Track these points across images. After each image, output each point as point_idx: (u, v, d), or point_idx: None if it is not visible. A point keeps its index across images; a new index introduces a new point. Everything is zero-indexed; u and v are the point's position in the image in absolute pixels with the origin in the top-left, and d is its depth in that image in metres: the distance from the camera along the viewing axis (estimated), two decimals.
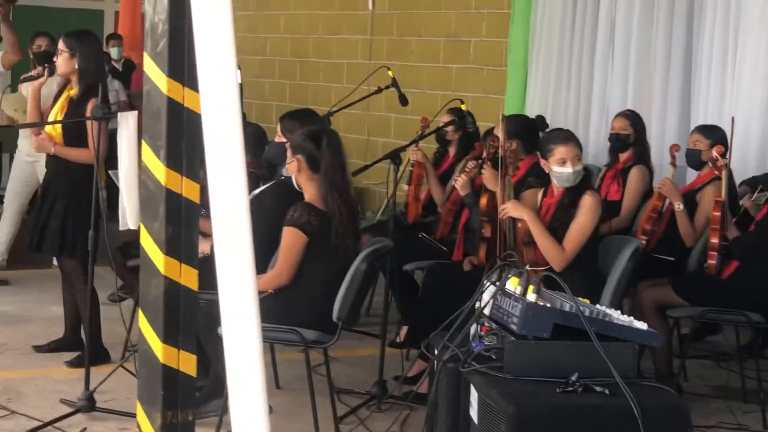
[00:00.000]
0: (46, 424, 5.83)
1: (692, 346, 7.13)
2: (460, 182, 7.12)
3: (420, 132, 8.45)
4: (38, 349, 7.19)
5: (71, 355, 6.96)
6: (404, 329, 7.43)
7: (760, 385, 6.46)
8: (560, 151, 6.13)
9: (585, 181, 6.21)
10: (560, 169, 6.12)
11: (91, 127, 6.34)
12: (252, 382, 3.29)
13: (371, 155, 11.19)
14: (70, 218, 6.76)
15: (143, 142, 3.98)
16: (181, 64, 3.90)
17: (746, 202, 7.10)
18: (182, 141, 3.92)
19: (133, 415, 5.88)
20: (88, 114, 6.57)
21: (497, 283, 4.35)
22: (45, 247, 6.92)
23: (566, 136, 6.30)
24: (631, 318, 4.32)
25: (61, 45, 6.84)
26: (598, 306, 4.42)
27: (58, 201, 6.84)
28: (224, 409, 5.73)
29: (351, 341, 7.30)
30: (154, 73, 3.92)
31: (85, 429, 5.82)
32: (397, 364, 6.94)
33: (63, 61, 6.81)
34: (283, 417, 6.08)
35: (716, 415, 6.37)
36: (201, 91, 3.29)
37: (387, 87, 8.16)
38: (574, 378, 4.03)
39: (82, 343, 7.08)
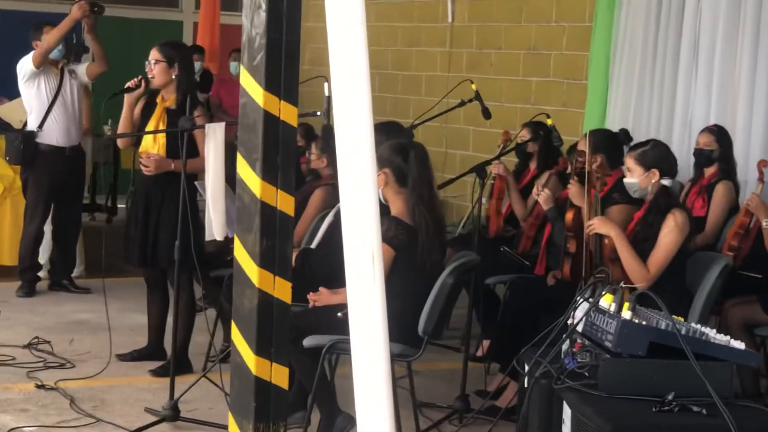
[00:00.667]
0: None
1: None
2: (543, 197, 7.09)
3: (501, 145, 8.42)
4: (121, 357, 7.24)
5: (154, 365, 7.01)
6: (485, 343, 7.40)
7: None
8: (626, 160, 6.17)
9: (670, 198, 6.14)
10: (626, 180, 6.16)
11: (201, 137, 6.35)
12: (379, 404, 3.25)
13: (449, 168, 11.18)
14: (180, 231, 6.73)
15: (239, 155, 4.00)
16: (278, 78, 3.92)
17: None
18: (278, 154, 3.94)
19: (216, 425, 5.98)
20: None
21: (591, 300, 4.30)
22: (161, 260, 6.90)
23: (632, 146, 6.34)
24: (729, 337, 4.26)
25: (156, 55, 6.86)
26: (693, 324, 4.37)
27: (165, 212, 6.86)
28: (308, 421, 5.75)
29: (431, 354, 7.23)
30: (251, 86, 3.94)
31: None
32: (478, 378, 6.92)
33: (161, 70, 6.84)
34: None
35: None
36: (335, 104, 3.26)
37: (470, 100, 8.13)
38: (670, 397, 3.98)
39: (165, 353, 7.14)
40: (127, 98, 6.96)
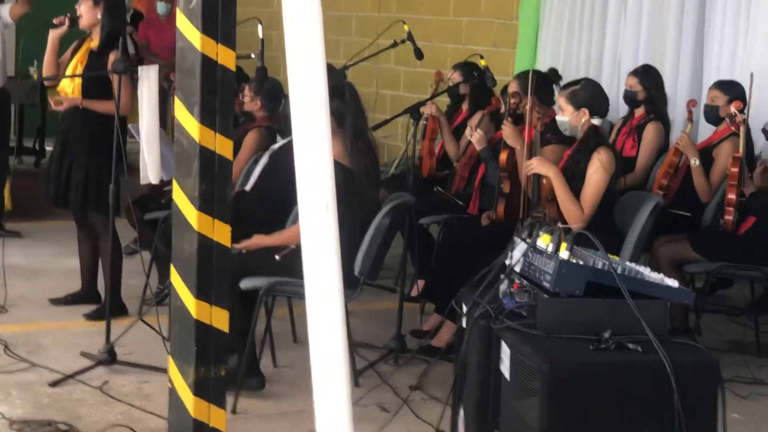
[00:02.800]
0: (68, 377, 5.87)
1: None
2: (475, 137, 7.12)
3: (434, 86, 8.44)
4: (55, 302, 7.21)
5: (88, 308, 6.99)
6: (420, 283, 7.46)
7: None
8: (558, 99, 6.24)
9: (599, 137, 6.20)
10: (557, 118, 6.22)
11: (114, 80, 6.31)
12: (336, 375, 3.29)
13: (380, 108, 11.18)
14: (93, 172, 6.75)
15: (176, 99, 3.98)
16: (215, 21, 3.89)
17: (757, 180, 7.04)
18: (216, 98, 3.92)
19: (153, 368, 5.98)
20: (109, 66, 6.55)
21: (528, 240, 4.35)
22: (70, 202, 6.90)
23: (564, 85, 6.39)
24: (662, 275, 4.34)
25: None
26: (629, 263, 4.44)
27: (78, 155, 6.82)
28: (245, 363, 5.76)
29: (366, 295, 7.26)
30: (188, 29, 3.91)
31: (107, 382, 5.85)
32: (413, 318, 6.99)
33: (86, 9, 6.77)
34: (301, 371, 6.11)
35: (732, 369, 6.40)
36: (288, 58, 3.25)
37: (402, 41, 8.12)
38: (606, 335, 4.04)
39: (99, 297, 7.11)
40: (51, 37, 6.88)
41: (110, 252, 6.51)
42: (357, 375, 6.03)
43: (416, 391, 5.85)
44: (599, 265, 4.21)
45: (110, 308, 6.28)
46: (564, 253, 4.16)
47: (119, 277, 6.87)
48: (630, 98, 7.70)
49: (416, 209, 6.81)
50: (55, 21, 6.80)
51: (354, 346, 6.18)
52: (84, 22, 6.82)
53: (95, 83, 6.70)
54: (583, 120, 6.15)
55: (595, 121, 6.17)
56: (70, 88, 6.84)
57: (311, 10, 3.27)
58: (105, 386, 5.79)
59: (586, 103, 6.15)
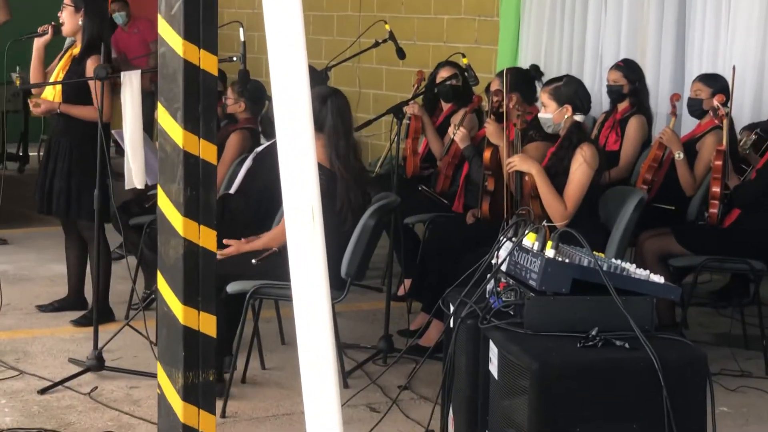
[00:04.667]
0: (56, 384, 5.85)
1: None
2: (459, 135, 7.13)
3: (416, 85, 8.43)
4: (42, 308, 7.20)
5: (75, 315, 6.98)
6: (407, 282, 7.46)
7: (763, 331, 6.51)
8: (541, 96, 6.24)
9: (581, 134, 6.21)
10: (540, 115, 6.22)
11: (95, 86, 6.29)
12: (324, 360, 3.30)
13: (363, 107, 11.20)
14: (74, 178, 6.74)
15: (159, 105, 3.98)
16: (197, 26, 3.89)
17: (740, 149, 7.12)
18: (199, 103, 3.92)
19: (142, 373, 5.98)
20: (88, 72, 6.54)
21: (514, 239, 4.36)
22: (53, 209, 6.89)
23: (547, 82, 6.38)
24: (648, 271, 4.35)
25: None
26: (614, 260, 4.45)
27: (61, 161, 6.81)
28: (234, 366, 5.76)
29: (352, 295, 7.27)
30: (170, 35, 3.91)
31: (95, 388, 5.84)
32: (400, 318, 6.99)
33: (68, 15, 6.75)
34: (289, 372, 6.12)
35: (719, 362, 6.41)
36: (271, 64, 3.25)
37: (384, 41, 8.12)
38: (594, 333, 4.06)
39: (86, 303, 7.11)
40: (36, 46, 6.89)
41: (97, 258, 6.50)
42: (346, 376, 6.03)
43: (405, 391, 5.85)
44: (585, 263, 4.22)
45: (98, 314, 6.26)
46: (550, 252, 4.17)
47: (107, 283, 6.87)
48: (615, 92, 7.71)
49: (401, 209, 6.82)
50: (39, 30, 6.80)
51: (342, 347, 6.20)
52: (66, 29, 6.81)
53: (74, 89, 6.68)
54: (566, 117, 6.16)
55: (578, 118, 6.19)
56: (51, 95, 6.82)
57: (293, 10, 3.27)
58: (94, 392, 5.78)
59: (569, 99, 6.17)
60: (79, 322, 6.85)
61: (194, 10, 3.88)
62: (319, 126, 5.76)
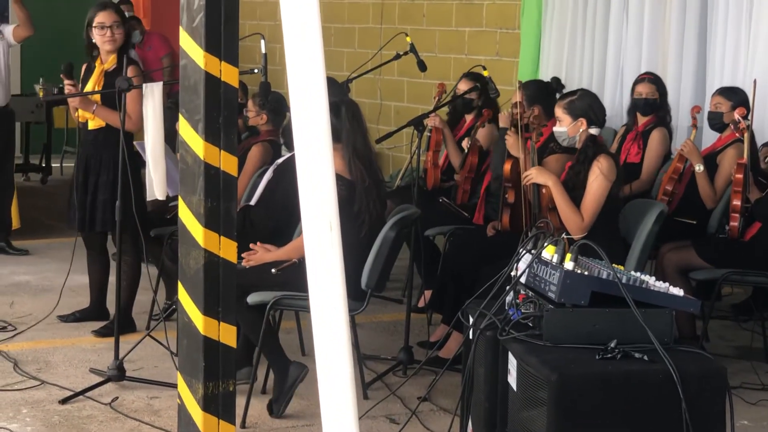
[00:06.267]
0: (77, 394, 5.88)
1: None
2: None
3: (437, 97, 8.45)
4: (63, 318, 7.23)
5: (97, 325, 7.01)
6: (427, 293, 7.47)
7: None
8: (556, 110, 6.23)
9: (597, 146, 6.20)
10: (555, 129, 6.22)
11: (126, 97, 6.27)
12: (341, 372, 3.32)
13: (384, 120, 11.22)
14: (118, 191, 6.70)
15: (180, 117, 4.01)
16: (218, 39, 3.92)
17: (762, 164, 7.11)
18: (220, 115, 3.95)
19: (163, 384, 6.00)
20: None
21: (533, 251, 4.37)
22: (98, 224, 6.88)
23: (561, 96, 6.41)
24: (667, 284, 4.35)
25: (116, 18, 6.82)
26: (633, 272, 4.45)
27: (104, 174, 6.80)
28: (254, 376, 5.79)
29: (373, 306, 7.30)
30: (191, 47, 3.94)
31: (116, 398, 5.86)
32: (421, 329, 7.00)
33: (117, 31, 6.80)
34: (309, 382, 6.12)
35: (740, 375, 6.40)
36: (290, 77, 3.27)
37: (405, 53, 8.13)
38: (612, 345, 4.06)
39: (107, 313, 7.14)
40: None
41: (134, 270, 6.58)
42: (366, 387, 6.04)
43: (425, 402, 5.86)
44: (604, 275, 4.23)
45: (119, 325, 6.29)
46: (569, 264, 4.18)
47: (134, 294, 6.90)
48: (650, 105, 7.63)
49: (422, 221, 6.83)
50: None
51: (362, 359, 6.21)
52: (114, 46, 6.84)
53: (111, 100, 6.64)
54: (580, 130, 6.16)
55: (593, 131, 6.17)
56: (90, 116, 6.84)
57: (311, 23, 3.28)
58: (115, 403, 5.81)
59: (583, 113, 6.16)
60: (100, 333, 6.88)
61: (216, 23, 3.91)
62: (336, 136, 5.78)
